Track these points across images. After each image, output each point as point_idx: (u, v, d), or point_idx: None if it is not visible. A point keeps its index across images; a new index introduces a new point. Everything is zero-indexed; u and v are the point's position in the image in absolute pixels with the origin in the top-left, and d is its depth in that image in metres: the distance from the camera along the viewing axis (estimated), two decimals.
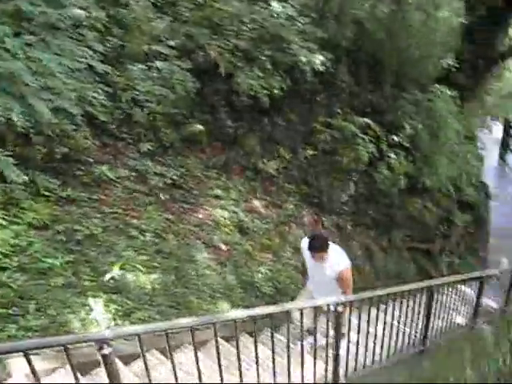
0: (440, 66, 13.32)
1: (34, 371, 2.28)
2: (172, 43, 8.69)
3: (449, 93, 13.13)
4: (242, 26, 9.35)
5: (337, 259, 5.52)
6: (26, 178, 5.98)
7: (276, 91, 9.18)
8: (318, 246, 5.34)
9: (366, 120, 10.99)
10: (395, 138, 11.38)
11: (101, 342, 2.56)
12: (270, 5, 9.66)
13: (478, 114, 21.34)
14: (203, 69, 8.98)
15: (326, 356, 4.79)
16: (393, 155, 11.30)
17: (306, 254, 5.63)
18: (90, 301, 5.47)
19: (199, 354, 5.10)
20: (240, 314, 3.61)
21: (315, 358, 4.61)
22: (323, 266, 5.48)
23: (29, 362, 2.24)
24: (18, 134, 6.11)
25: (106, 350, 2.57)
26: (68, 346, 2.50)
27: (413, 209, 12.77)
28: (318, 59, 9.46)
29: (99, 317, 5.35)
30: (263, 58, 9.14)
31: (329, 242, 5.41)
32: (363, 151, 10.63)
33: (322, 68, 9.55)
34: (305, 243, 5.64)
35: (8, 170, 5.85)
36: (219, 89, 9.22)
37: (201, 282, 6.89)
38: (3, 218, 5.68)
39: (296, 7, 9.94)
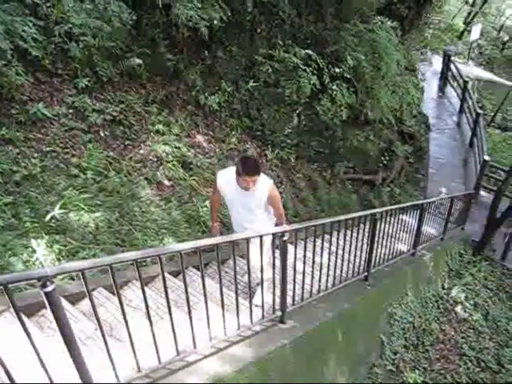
0: None
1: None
2: None
3: (390, 24, 13.12)
4: None
5: (262, 181, 5.05)
6: None
7: (216, 22, 8.96)
8: (256, 168, 4.83)
9: (308, 51, 10.88)
10: (337, 70, 11.33)
11: (43, 280, 2.52)
12: None
13: (418, 45, 21.51)
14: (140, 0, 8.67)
15: (273, 286, 4.84)
16: (335, 87, 11.28)
17: (227, 186, 5.16)
18: (33, 242, 5.36)
19: (147, 289, 5.14)
20: (185, 245, 3.58)
21: (262, 290, 4.68)
22: (250, 193, 5.01)
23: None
24: None
25: (49, 288, 2.53)
26: (9, 285, 2.45)
27: (355, 140, 12.91)
28: None
29: (43, 258, 5.27)
30: None
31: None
32: (306, 83, 10.58)
33: None
34: (224, 175, 5.22)
35: None
36: (157, 21, 8.94)
37: (145, 218, 6.84)
38: None
39: None
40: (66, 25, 7.53)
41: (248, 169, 4.78)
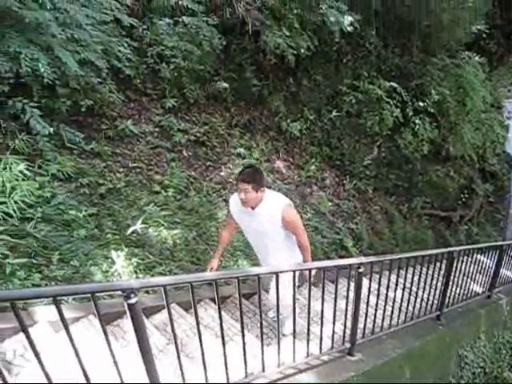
0: (470, 32, 13.05)
1: (62, 316, 2.31)
2: None
3: (478, 59, 12.90)
4: None
5: (272, 201, 4.39)
6: (51, 130, 6.02)
7: (303, 51, 9.06)
8: (246, 175, 4.25)
9: (392, 84, 10.84)
10: (421, 104, 11.22)
11: (128, 292, 2.60)
12: None
13: (506, 82, 20.96)
14: (230, 26, 8.92)
15: (345, 317, 4.79)
16: (418, 121, 11.16)
17: (235, 206, 4.67)
18: (113, 253, 5.52)
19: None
20: (262, 270, 3.62)
21: (334, 319, 4.64)
22: (255, 212, 4.42)
23: (58, 307, 2.28)
24: (44, 86, 6.11)
25: (133, 300, 2.60)
26: (96, 293, 2.54)
27: (435, 176, 12.67)
28: (347, 20, 9.28)
29: (121, 269, 5.42)
30: (291, 16, 9.00)
31: (261, 180, 4.30)
32: (388, 115, 10.52)
33: (350, 29, 9.36)
34: (234, 196, 4.69)
35: (34, 122, 5.91)
36: (246, 47, 9.16)
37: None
38: (28, 169, 5.72)
39: None
40: (158, 47, 7.86)
41: (241, 175, 4.30)
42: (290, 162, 9.71)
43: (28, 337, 2.26)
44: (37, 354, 2.32)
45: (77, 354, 2.49)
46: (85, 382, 2.65)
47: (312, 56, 9.52)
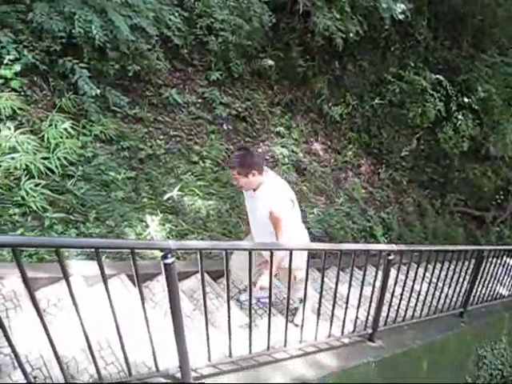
0: None
1: (102, 269, 2.40)
2: None
3: None
4: None
5: (272, 193, 4.05)
6: (98, 91, 6.14)
7: (351, 35, 8.99)
8: (232, 160, 3.99)
9: (438, 77, 10.69)
10: (466, 100, 11.06)
11: (166, 251, 2.67)
12: None
13: None
14: (281, 4, 8.90)
15: (370, 303, 4.82)
16: (460, 116, 11.01)
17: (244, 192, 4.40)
18: (147, 217, 5.65)
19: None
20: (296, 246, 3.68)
21: (359, 304, 4.68)
22: (256, 200, 4.11)
23: (99, 259, 2.37)
24: (95, 48, 6.24)
25: (169, 260, 2.67)
26: (135, 249, 2.62)
27: (471, 174, 12.50)
28: (399, 8, 9.17)
29: (154, 234, 5.53)
30: None
31: (251, 164, 3.91)
32: (431, 108, 10.39)
33: (401, 17, 9.25)
34: None
35: (82, 82, 6.03)
36: (294, 27, 9.14)
37: None
38: (72, 128, 5.86)
39: None
40: (208, 19, 7.88)
41: (230, 159, 4.06)
42: (328, 145, 9.71)
43: (69, 285, 2.35)
44: (75, 304, 2.41)
45: (112, 308, 2.58)
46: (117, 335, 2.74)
47: (360, 41, 9.44)
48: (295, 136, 8.86)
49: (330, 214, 8.22)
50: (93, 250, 2.43)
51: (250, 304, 3.55)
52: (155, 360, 3.04)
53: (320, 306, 4.21)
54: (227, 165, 3.85)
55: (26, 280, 2.11)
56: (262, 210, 4.05)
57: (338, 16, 8.71)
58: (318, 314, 4.20)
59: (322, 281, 4.05)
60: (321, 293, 4.10)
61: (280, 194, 4.12)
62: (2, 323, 2.11)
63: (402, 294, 5.06)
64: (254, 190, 4.08)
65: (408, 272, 4.94)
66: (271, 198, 3.99)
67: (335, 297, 4.28)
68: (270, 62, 8.71)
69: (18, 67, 5.69)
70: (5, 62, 5.63)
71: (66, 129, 5.78)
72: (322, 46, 9.27)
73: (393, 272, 4.81)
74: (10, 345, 2.20)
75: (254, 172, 3.91)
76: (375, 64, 10.61)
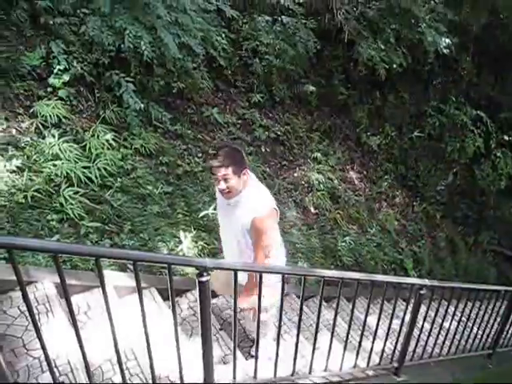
0: None
1: (138, 281, 2.42)
2: (301, 0, 8.69)
3: None
4: None
5: (257, 201, 3.37)
6: (141, 106, 6.24)
7: (395, 66, 9.02)
8: (223, 156, 3.23)
9: (479, 113, 10.61)
10: (506, 138, 10.95)
11: (201, 269, 2.68)
12: None
13: None
14: (326, 31, 8.98)
15: (397, 337, 4.76)
16: (499, 154, 10.89)
17: (218, 199, 3.74)
18: (181, 233, 5.67)
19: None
20: (330, 273, 3.66)
21: (387, 337, 4.62)
22: (232, 204, 3.43)
23: (136, 271, 2.38)
24: (142, 63, 6.39)
25: (204, 278, 2.68)
26: (171, 264, 2.64)
27: (507, 213, 12.31)
28: (444, 42, 9.17)
29: (186, 250, 5.55)
30: (388, 30, 8.98)
31: (243, 160, 3.35)
32: (470, 143, 10.31)
33: (446, 51, 9.25)
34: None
35: (127, 96, 6.14)
36: (338, 55, 9.21)
37: (286, 238, 6.97)
38: (114, 140, 5.96)
39: None
40: (254, 42, 8.02)
41: (216, 157, 3.24)
42: (364, 174, 9.69)
43: (105, 295, 2.37)
44: (109, 313, 2.42)
45: (144, 321, 2.59)
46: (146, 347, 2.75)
47: (402, 72, 9.45)
48: (332, 163, 8.86)
49: (361, 244, 8.17)
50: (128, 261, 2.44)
51: (258, 325, 3.52)
52: (181, 374, 3.03)
53: (348, 335, 4.17)
54: (211, 164, 3.25)
55: (64, 287, 2.14)
56: (239, 222, 3.40)
57: (382, 47, 8.76)
58: (346, 344, 4.16)
59: (352, 311, 4.02)
60: (350, 323, 4.07)
61: (264, 203, 3.43)
62: (36, 326, 2.13)
63: (430, 330, 4.99)
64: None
65: (438, 308, 4.88)
66: (254, 208, 3.32)
67: (364, 328, 4.24)
68: (312, 88, 8.78)
69: (66, 77, 5.83)
70: (55, 71, 5.79)
71: (107, 140, 5.87)
72: (364, 76, 9.32)
73: (422, 307, 4.76)
74: (43, 347, 2.22)
75: (244, 171, 3.32)
76: (416, 96, 10.59)
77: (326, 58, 9.20)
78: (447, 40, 9.21)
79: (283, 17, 8.35)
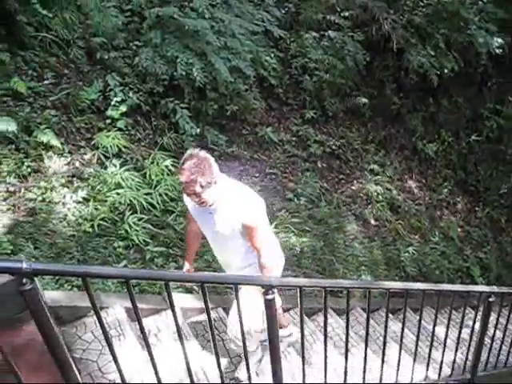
0: None
1: (206, 302, 2.46)
2: (346, 14, 8.74)
3: None
4: (418, 0, 9.18)
5: (241, 200, 3.23)
6: (197, 130, 6.40)
7: (446, 71, 8.90)
8: (188, 170, 2.98)
9: None
10: None
11: (267, 288, 2.71)
12: None
13: None
14: (374, 42, 8.95)
15: (468, 347, 4.65)
16: None
17: (191, 207, 3.49)
18: None
19: (339, 319, 5.25)
20: (394, 284, 3.64)
21: (457, 347, 4.53)
22: (209, 210, 3.25)
23: (204, 293, 2.43)
24: (195, 89, 6.55)
25: (271, 296, 2.71)
26: (238, 284, 2.68)
27: None
28: (496, 42, 9.00)
29: None
30: (437, 36, 8.88)
31: (211, 169, 3.04)
32: None
33: (498, 51, 9.07)
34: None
35: (183, 122, 6.29)
36: (388, 64, 9.16)
37: (348, 252, 6.98)
38: (173, 165, 6.10)
39: None
40: (302, 58, 8.13)
41: (183, 171, 3.03)
42: (423, 183, 9.56)
43: (175, 315, 2.42)
44: (180, 336, 2.48)
45: (213, 340, 2.63)
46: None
47: (454, 77, 9.32)
48: (389, 173, 8.80)
49: (424, 254, 8.06)
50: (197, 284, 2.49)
51: (347, 341, 3.52)
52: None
53: (417, 347, 4.12)
54: (182, 182, 3.05)
55: (136, 311, 2.20)
56: (225, 224, 3.25)
57: (432, 52, 8.68)
58: (415, 356, 4.11)
59: (420, 321, 3.98)
60: (418, 333, 4.03)
61: (249, 200, 3.27)
62: (112, 350, 2.20)
63: (503, 338, 4.87)
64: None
65: (509, 315, 4.77)
66: (240, 207, 3.19)
67: (432, 338, 4.18)
68: (364, 100, 8.77)
69: (123, 108, 6.04)
70: (112, 103, 6.00)
71: (166, 166, 6.02)
72: (416, 83, 9.23)
73: (492, 315, 4.65)
74: (119, 371, 2.28)
75: (215, 180, 3.07)
76: (471, 100, 10.40)
77: (375, 68, 9.17)
78: (499, 40, 9.03)
79: (330, 32, 8.42)
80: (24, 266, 1.61)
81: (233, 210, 3.17)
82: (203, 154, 3.07)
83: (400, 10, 9.09)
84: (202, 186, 2.99)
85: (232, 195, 3.20)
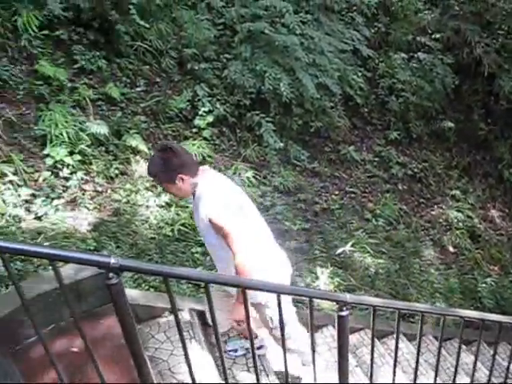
0: None
1: (280, 314, 2.48)
2: (437, 36, 8.65)
3: None
4: None
5: (208, 194, 3.07)
6: (281, 145, 6.47)
7: None
8: (149, 167, 3.08)
9: None
10: None
11: (341, 304, 2.71)
12: None
13: None
14: (464, 66, 8.81)
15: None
16: None
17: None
18: (318, 269, 5.75)
19: (409, 345, 5.16)
20: (470, 313, 3.54)
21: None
22: (196, 207, 3.18)
23: (279, 303, 2.45)
24: (281, 104, 6.63)
25: (344, 313, 2.71)
26: (313, 298, 2.69)
27: None
28: None
29: (323, 286, 5.60)
30: None
31: (170, 167, 2.97)
32: None
33: None
34: None
35: (267, 135, 6.38)
36: (477, 89, 8.97)
37: (423, 277, 6.86)
38: (254, 177, 6.18)
39: None
40: (390, 79, 8.08)
41: (148, 166, 3.12)
42: (506, 212, 9.26)
43: (248, 324, 2.45)
44: (253, 346, 2.51)
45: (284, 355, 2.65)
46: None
47: None
48: (471, 201, 8.58)
49: (504, 286, 7.79)
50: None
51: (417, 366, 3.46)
52: None
53: (489, 382, 4.00)
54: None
55: (212, 314, 2.23)
56: (203, 217, 3.09)
57: None
58: None
59: (494, 356, 3.86)
60: (491, 368, 3.91)
61: (217, 194, 3.10)
62: (186, 352, 2.24)
63: None
64: (193, 194, 3.19)
65: None
66: (207, 201, 3.05)
67: (507, 375, 4.05)
68: (450, 124, 8.61)
69: (210, 118, 6.20)
70: (199, 113, 6.17)
71: (248, 177, 6.13)
72: (506, 110, 8.99)
73: None
74: (190, 373, 2.32)
75: (181, 176, 3.01)
76: None
77: (464, 92, 9.00)
78: None
79: (419, 53, 8.35)
80: (112, 261, 1.67)
81: (203, 205, 3.05)
82: (173, 148, 3.05)
83: (494, 33, 8.90)
84: (161, 181, 3.11)
85: (204, 190, 3.09)
